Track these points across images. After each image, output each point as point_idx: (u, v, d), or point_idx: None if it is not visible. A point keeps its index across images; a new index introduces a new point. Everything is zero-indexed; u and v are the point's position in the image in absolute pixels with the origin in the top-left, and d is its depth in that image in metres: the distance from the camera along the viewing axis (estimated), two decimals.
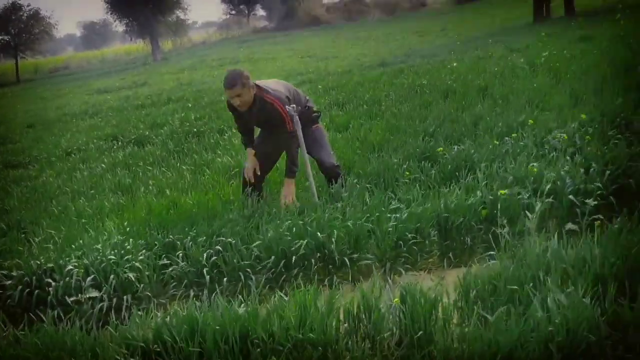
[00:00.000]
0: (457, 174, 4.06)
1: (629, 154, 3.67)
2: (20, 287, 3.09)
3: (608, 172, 3.44)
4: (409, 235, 3.14)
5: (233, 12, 62.62)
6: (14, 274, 3.22)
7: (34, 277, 3.14)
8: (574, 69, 7.12)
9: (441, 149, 4.66)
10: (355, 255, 3.06)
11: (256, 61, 20.86)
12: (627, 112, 4.65)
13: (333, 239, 3.06)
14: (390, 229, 3.15)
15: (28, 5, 33.93)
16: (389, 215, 3.35)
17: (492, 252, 2.92)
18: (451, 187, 3.76)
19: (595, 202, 3.13)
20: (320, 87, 10.16)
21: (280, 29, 44.83)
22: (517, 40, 12.53)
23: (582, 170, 3.53)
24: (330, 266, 3.07)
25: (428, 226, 3.23)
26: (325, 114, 7.46)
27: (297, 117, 3.83)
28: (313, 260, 3.04)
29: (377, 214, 3.35)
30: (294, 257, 3.04)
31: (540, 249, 2.69)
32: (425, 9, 42.11)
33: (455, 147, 4.70)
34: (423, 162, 4.48)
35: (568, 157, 3.89)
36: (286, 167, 3.99)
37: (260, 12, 67.56)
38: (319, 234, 3.11)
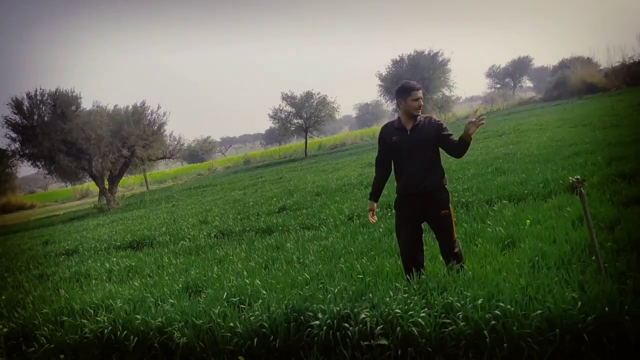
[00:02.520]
0: None
1: None
2: (325, 327, 3.69)
3: None
4: None
5: (498, 85, 62.54)
6: (320, 316, 3.85)
7: (335, 321, 3.70)
8: None
9: None
10: None
11: (522, 132, 20.30)
12: None
13: (626, 317, 2.86)
14: None
15: (318, 94, 40.01)
16: None
17: None
18: None
19: None
20: (599, 157, 9.39)
21: (549, 99, 42.79)
22: None
23: None
24: (625, 347, 2.84)
25: None
26: (608, 187, 6.89)
27: None
28: (605, 340, 2.87)
29: None
30: (584, 335, 2.92)
31: None
32: None
33: None
34: None
35: None
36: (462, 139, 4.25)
37: (527, 83, 65.98)
38: (610, 310, 2.94)
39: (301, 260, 6.26)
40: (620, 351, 2.85)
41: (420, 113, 4.42)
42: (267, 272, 5.92)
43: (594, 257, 3.83)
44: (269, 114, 41.15)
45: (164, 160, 30.45)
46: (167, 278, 6.39)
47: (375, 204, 4.68)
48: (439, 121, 4.46)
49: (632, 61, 40.09)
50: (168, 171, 48.35)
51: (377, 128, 55.57)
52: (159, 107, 27.63)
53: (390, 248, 6.06)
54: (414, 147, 4.37)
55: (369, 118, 74.54)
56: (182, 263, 7.35)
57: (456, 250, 4.46)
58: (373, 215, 4.67)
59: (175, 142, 28.61)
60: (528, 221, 5.84)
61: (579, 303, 3.13)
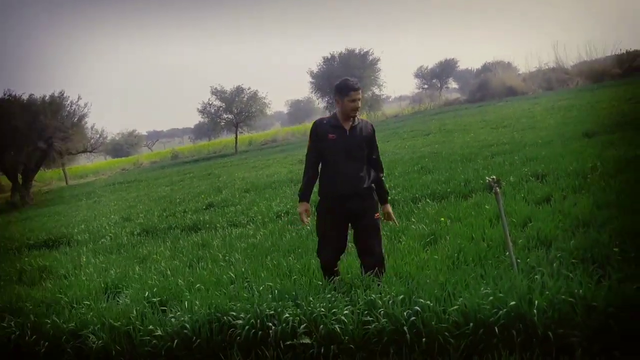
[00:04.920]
0: None
1: None
2: (247, 327, 3.63)
3: None
4: (624, 316, 2.93)
5: (426, 85, 64.60)
6: (242, 315, 3.79)
7: (258, 320, 3.65)
8: None
9: None
10: (560, 331, 2.95)
11: (448, 132, 21.09)
12: None
13: (535, 310, 3.02)
14: (597, 304, 2.99)
15: (249, 88, 39.55)
16: (595, 292, 3.19)
17: None
18: None
19: None
20: (516, 158, 9.92)
21: (473, 100, 44.70)
22: None
23: None
24: (534, 339, 3.00)
25: None
26: (523, 186, 7.28)
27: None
28: (514, 332, 3.02)
29: (581, 290, 3.21)
30: (495, 328, 3.05)
31: None
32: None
33: None
34: None
35: None
36: (382, 194, 4.33)
37: (452, 84, 68.60)
38: (520, 304, 3.09)
39: (227, 258, 6.15)
40: (527, 343, 3.01)
41: (357, 114, 4.21)
42: (192, 271, 5.77)
43: (507, 253, 4.02)
44: (198, 109, 40.24)
45: (85, 154, 28.96)
46: (84, 278, 6.07)
47: (308, 205, 4.39)
48: (373, 129, 4.36)
49: (547, 67, 42.82)
50: (89, 165, 46.07)
51: (308, 125, 55.72)
52: (79, 98, 26.16)
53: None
54: (353, 148, 4.16)
55: (300, 115, 74.58)
56: (101, 262, 7.02)
57: (385, 259, 4.29)
58: (308, 215, 4.40)
59: (98, 135, 27.26)
60: (443, 219, 6.05)
61: (491, 298, 3.28)
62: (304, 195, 4.35)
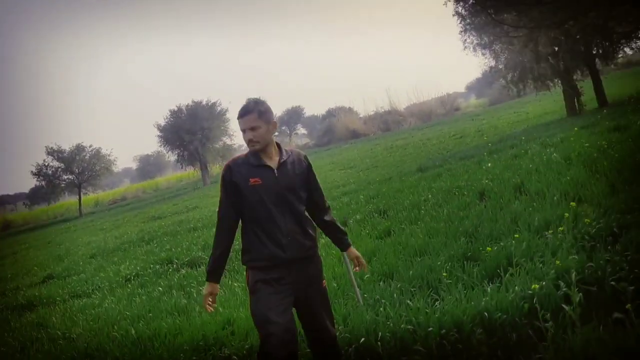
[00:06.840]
0: (499, 271, 4.14)
1: None
2: None
3: None
4: (453, 335, 3.20)
5: (276, 133, 66.59)
6: None
7: None
8: (609, 159, 7.20)
9: (490, 248, 4.67)
10: (404, 358, 3.13)
11: None
12: None
13: (379, 343, 3.17)
14: (432, 328, 3.23)
15: (90, 146, 37.13)
16: (433, 316, 3.45)
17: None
18: (492, 285, 3.83)
19: (633, 287, 3.13)
20: (362, 196, 10.53)
21: (321, 144, 46.96)
22: (551, 135, 12.79)
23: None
24: None
25: (472, 325, 3.29)
26: (368, 222, 7.73)
27: None
28: None
29: (420, 316, 3.45)
30: None
31: (585, 340, 2.71)
32: (459, 112, 43.60)
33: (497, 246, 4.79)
34: (465, 262, 4.58)
35: (609, 247, 3.94)
36: (341, 238, 3.28)
37: (301, 130, 71.55)
38: (367, 338, 3.22)
39: (67, 335, 5.56)
40: None
41: (256, 147, 2.98)
42: (23, 356, 5.10)
43: (353, 290, 4.19)
44: (32, 171, 36.68)
45: None
46: None
47: (217, 286, 3.06)
48: (308, 161, 3.26)
49: (383, 110, 46.82)
50: None
51: (160, 180, 53.70)
52: None
53: (170, 306, 5.79)
54: (288, 192, 3.01)
55: (150, 170, 71.85)
56: None
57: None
58: (214, 301, 3.01)
59: None
60: None
61: (342, 336, 3.38)
62: (214, 274, 3.02)
